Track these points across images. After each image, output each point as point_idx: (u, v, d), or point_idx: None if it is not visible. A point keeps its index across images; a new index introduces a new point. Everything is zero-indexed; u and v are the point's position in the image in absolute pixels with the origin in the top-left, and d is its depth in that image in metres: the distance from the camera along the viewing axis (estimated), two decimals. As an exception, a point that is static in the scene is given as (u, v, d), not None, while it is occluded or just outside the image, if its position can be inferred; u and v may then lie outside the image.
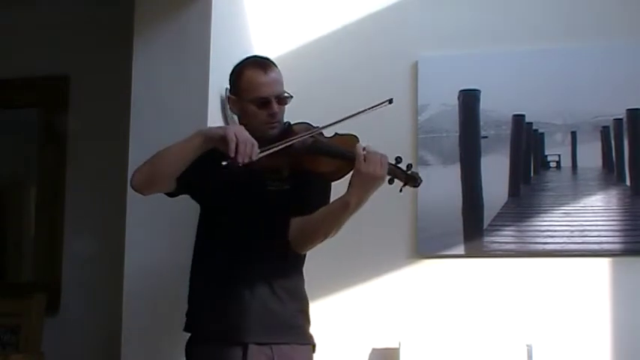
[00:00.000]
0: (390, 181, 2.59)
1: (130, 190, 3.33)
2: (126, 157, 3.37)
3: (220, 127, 2.58)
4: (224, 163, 2.49)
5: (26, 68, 4.14)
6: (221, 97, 3.41)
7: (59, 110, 4.12)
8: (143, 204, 3.29)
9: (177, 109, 3.35)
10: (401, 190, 2.61)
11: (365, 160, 2.53)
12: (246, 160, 2.50)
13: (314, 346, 2.79)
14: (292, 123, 2.76)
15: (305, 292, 2.82)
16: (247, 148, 2.50)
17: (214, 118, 3.36)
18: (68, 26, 4.11)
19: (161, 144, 3.31)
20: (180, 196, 2.86)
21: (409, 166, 2.60)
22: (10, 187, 4.32)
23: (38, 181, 4.15)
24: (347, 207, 2.57)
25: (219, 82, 3.37)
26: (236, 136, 2.50)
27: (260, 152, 2.53)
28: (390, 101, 2.67)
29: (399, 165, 2.58)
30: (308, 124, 2.74)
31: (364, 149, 2.56)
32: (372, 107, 2.67)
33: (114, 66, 3.80)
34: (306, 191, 2.69)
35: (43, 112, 4.18)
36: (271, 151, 2.57)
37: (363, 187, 2.54)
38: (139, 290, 3.27)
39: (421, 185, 3.61)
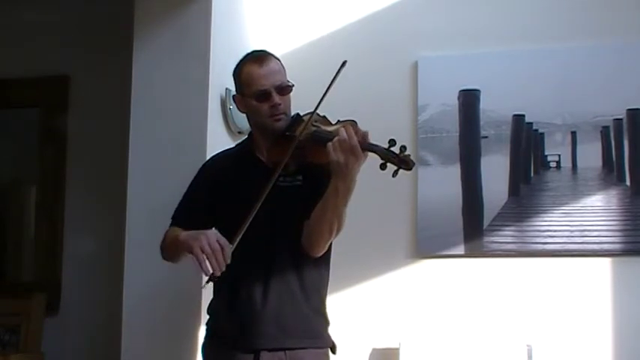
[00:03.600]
0: (383, 167, 2.45)
1: (129, 190, 3.35)
2: (126, 157, 3.38)
3: (189, 241, 2.53)
4: (203, 285, 2.52)
5: (26, 68, 4.14)
6: (221, 96, 3.41)
7: (59, 110, 4.12)
8: (143, 204, 3.31)
9: (177, 109, 3.35)
10: (394, 175, 2.44)
11: (333, 149, 2.44)
12: (223, 269, 2.47)
13: (333, 347, 2.73)
14: (302, 114, 2.70)
15: (325, 292, 2.75)
16: (218, 258, 2.47)
17: (214, 118, 3.36)
18: (68, 26, 4.11)
19: (161, 144, 3.34)
20: (179, 197, 2.86)
21: (402, 149, 2.44)
22: (10, 187, 4.31)
23: (38, 181, 4.15)
24: (337, 193, 2.48)
25: (219, 82, 3.37)
26: (202, 250, 2.47)
27: (235, 241, 2.50)
28: (344, 64, 2.58)
29: (392, 149, 2.44)
30: (317, 114, 2.66)
31: (339, 136, 2.45)
32: (334, 77, 2.58)
33: (114, 66, 3.80)
34: (318, 184, 2.59)
35: (43, 112, 4.17)
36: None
37: (338, 173, 2.45)
38: (139, 290, 3.28)
39: (421, 185, 3.69)
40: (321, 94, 2.58)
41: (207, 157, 3.15)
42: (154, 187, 3.31)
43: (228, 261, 2.48)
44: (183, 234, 2.62)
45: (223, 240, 2.50)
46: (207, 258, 2.46)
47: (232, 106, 3.42)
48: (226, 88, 3.41)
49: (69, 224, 4.05)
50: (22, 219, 4.25)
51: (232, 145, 3.28)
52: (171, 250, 2.75)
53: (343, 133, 2.46)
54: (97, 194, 3.98)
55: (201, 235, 2.51)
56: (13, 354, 3.71)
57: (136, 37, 3.42)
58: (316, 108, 2.61)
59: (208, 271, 2.47)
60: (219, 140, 3.33)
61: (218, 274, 2.47)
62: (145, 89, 3.38)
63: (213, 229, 2.60)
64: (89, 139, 4.05)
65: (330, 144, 2.45)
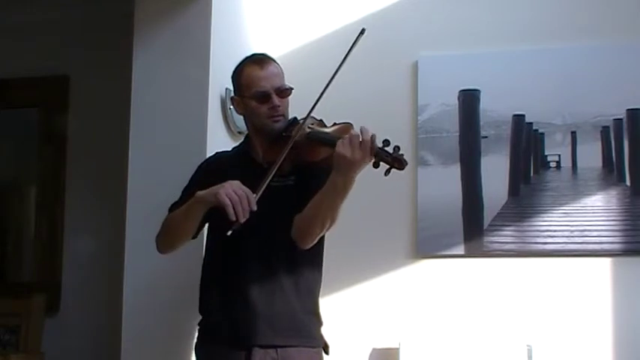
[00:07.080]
0: (375, 165, 2.48)
1: (129, 190, 3.35)
2: (126, 157, 3.37)
3: (213, 190, 2.56)
4: (229, 233, 2.51)
5: (26, 68, 4.15)
6: (221, 96, 3.41)
7: (59, 110, 4.13)
8: (143, 204, 3.31)
9: (177, 109, 3.35)
10: (386, 174, 2.47)
11: (342, 144, 2.46)
12: (247, 216, 2.50)
13: (326, 347, 2.75)
14: (299, 118, 2.72)
15: (318, 292, 2.77)
16: (243, 204, 2.50)
17: (214, 118, 3.36)
18: (68, 26, 4.11)
19: (161, 144, 3.34)
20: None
21: (396, 149, 2.48)
22: (10, 187, 4.32)
23: (38, 181, 4.15)
24: (335, 189, 2.50)
25: (219, 82, 3.37)
26: (229, 199, 2.50)
27: (257, 195, 2.53)
28: (362, 31, 2.66)
29: (386, 148, 2.48)
30: (313, 118, 2.71)
31: (352, 132, 2.50)
32: (350, 48, 2.67)
33: (114, 66, 3.81)
34: (310, 183, 2.62)
35: (43, 112, 4.18)
36: (268, 179, 2.55)
37: (342, 168, 2.47)
38: (139, 290, 3.27)
39: (421, 185, 3.69)
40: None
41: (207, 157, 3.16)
42: (153, 187, 3.30)
43: (254, 208, 2.50)
44: (199, 192, 2.63)
45: (246, 188, 2.53)
46: (234, 204, 2.49)
47: (232, 107, 3.42)
48: (226, 88, 3.41)
49: (69, 224, 4.05)
50: (22, 219, 4.26)
51: (232, 145, 3.28)
52: (175, 225, 2.74)
53: (356, 131, 2.50)
54: (97, 194, 3.98)
55: (225, 183, 2.55)
56: (13, 354, 3.72)
57: (136, 37, 3.42)
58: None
59: (234, 216, 2.49)
60: (219, 140, 3.33)
61: (242, 220, 2.49)
62: (145, 89, 3.38)
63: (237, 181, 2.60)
64: (89, 139, 4.05)
65: (340, 141, 2.47)
